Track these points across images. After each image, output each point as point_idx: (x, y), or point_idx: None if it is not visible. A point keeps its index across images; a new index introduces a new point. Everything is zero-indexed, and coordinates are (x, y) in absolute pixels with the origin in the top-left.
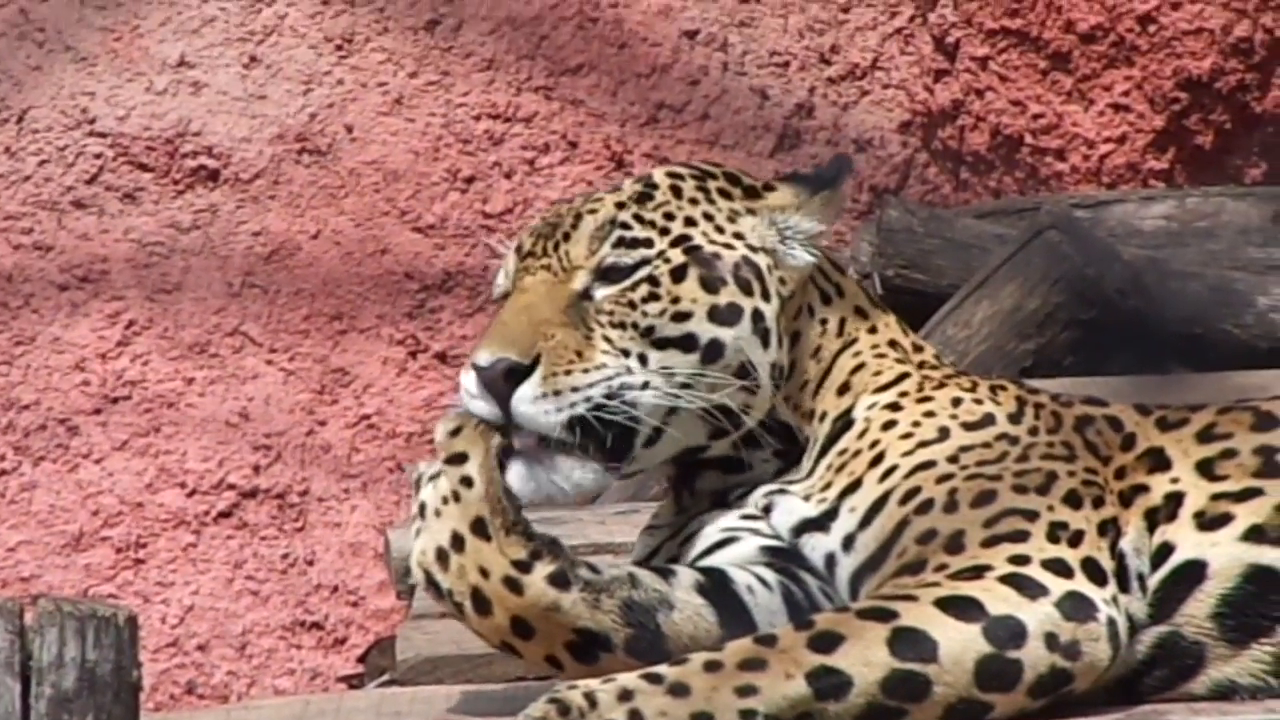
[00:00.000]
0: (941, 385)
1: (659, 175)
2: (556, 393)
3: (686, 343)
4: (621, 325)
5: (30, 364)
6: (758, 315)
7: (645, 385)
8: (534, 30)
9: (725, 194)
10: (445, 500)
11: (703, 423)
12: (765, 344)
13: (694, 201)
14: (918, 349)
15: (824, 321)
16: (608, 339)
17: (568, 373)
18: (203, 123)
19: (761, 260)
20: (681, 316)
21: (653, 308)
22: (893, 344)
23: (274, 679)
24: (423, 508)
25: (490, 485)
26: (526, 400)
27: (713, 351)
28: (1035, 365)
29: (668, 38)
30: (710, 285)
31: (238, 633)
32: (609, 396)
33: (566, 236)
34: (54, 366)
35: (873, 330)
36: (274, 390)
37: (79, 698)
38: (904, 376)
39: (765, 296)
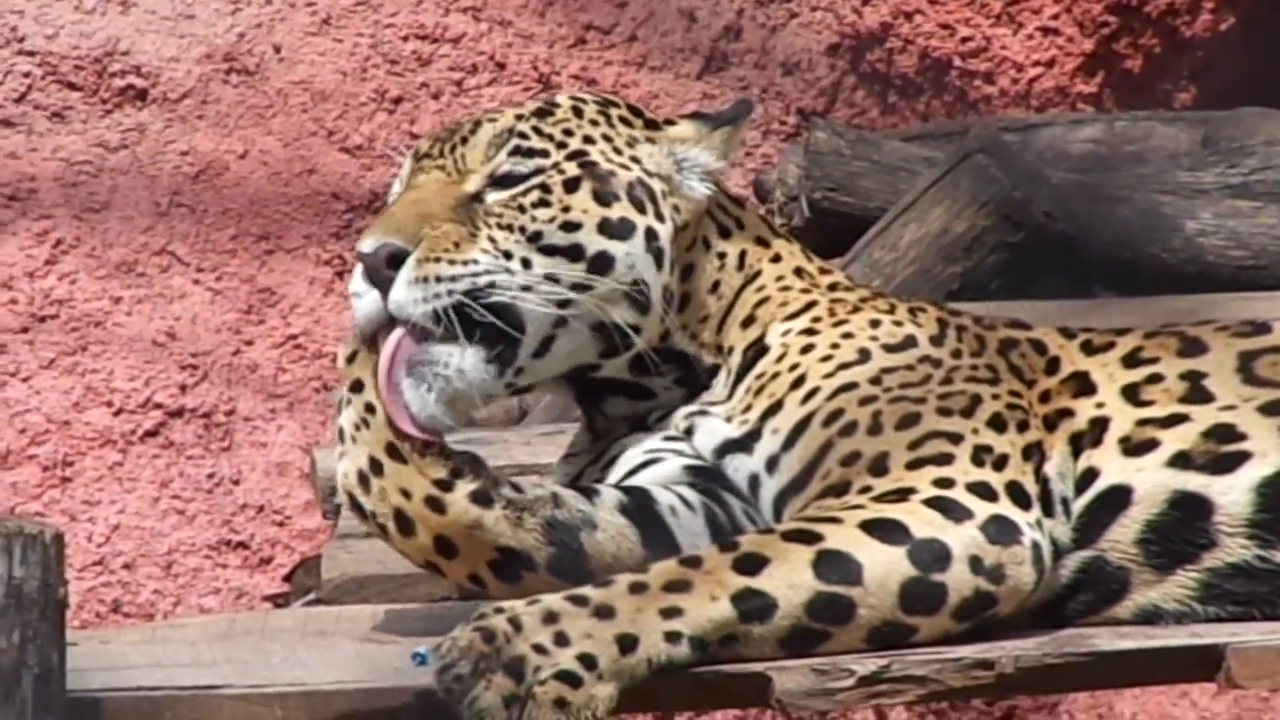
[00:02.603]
0: (856, 309)
1: (562, 97)
2: (425, 280)
3: (573, 252)
4: (509, 228)
5: None
6: (651, 234)
7: (526, 289)
8: None
9: (626, 121)
10: (358, 426)
11: (591, 337)
12: (659, 265)
13: (594, 123)
14: (825, 272)
15: (722, 255)
16: (491, 239)
17: (437, 260)
18: (131, 42)
19: (656, 185)
20: (571, 226)
21: (542, 213)
22: (799, 272)
23: (200, 598)
24: (340, 432)
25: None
26: (402, 285)
27: (601, 264)
28: (962, 289)
29: None
30: (603, 198)
31: (163, 551)
32: (475, 291)
33: (464, 140)
34: None
35: (776, 260)
36: (201, 310)
37: (5, 614)
38: (812, 304)
39: (660, 218)
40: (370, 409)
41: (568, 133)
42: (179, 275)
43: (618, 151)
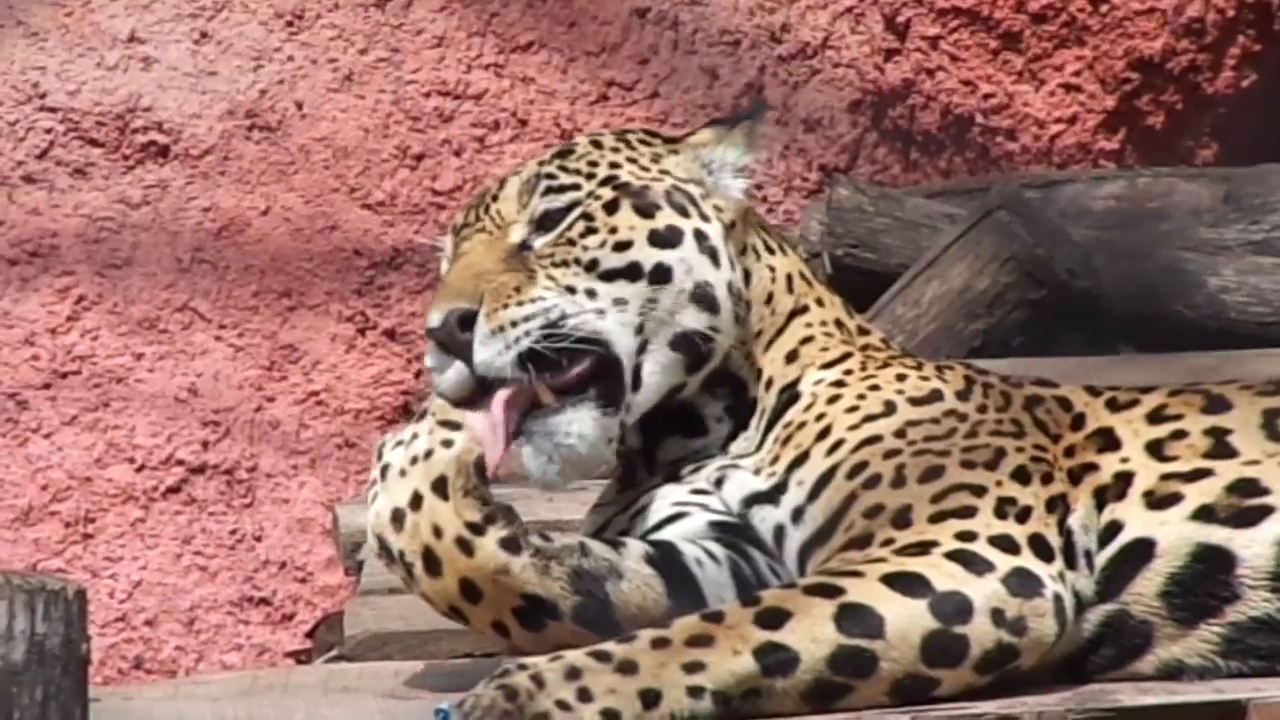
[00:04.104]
0: (886, 365)
1: (579, 138)
2: (500, 329)
3: (632, 271)
4: (564, 263)
5: None
6: (700, 234)
7: (600, 314)
8: (484, 7)
9: (645, 142)
10: (414, 460)
11: (673, 353)
12: (716, 263)
13: (615, 149)
14: (863, 332)
15: (772, 269)
16: (551, 277)
17: (505, 307)
18: (153, 98)
19: (693, 189)
20: (622, 245)
21: (592, 241)
22: (839, 324)
23: (222, 654)
24: (385, 470)
25: (467, 450)
26: (481, 343)
27: (660, 275)
28: (984, 345)
29: (618, 15)
30: (645, 211)
31: (186, 608)
32: (551, 325)
33: (495, 198)
34: (3, 341)
35: (820, 304)
36: (223, 366)
37: (28, 671)
38: (847, 355)
39: (704, 219)
40: (447, 444)
41: (593, 164)
42: (201, 332)
43: (645, 168)
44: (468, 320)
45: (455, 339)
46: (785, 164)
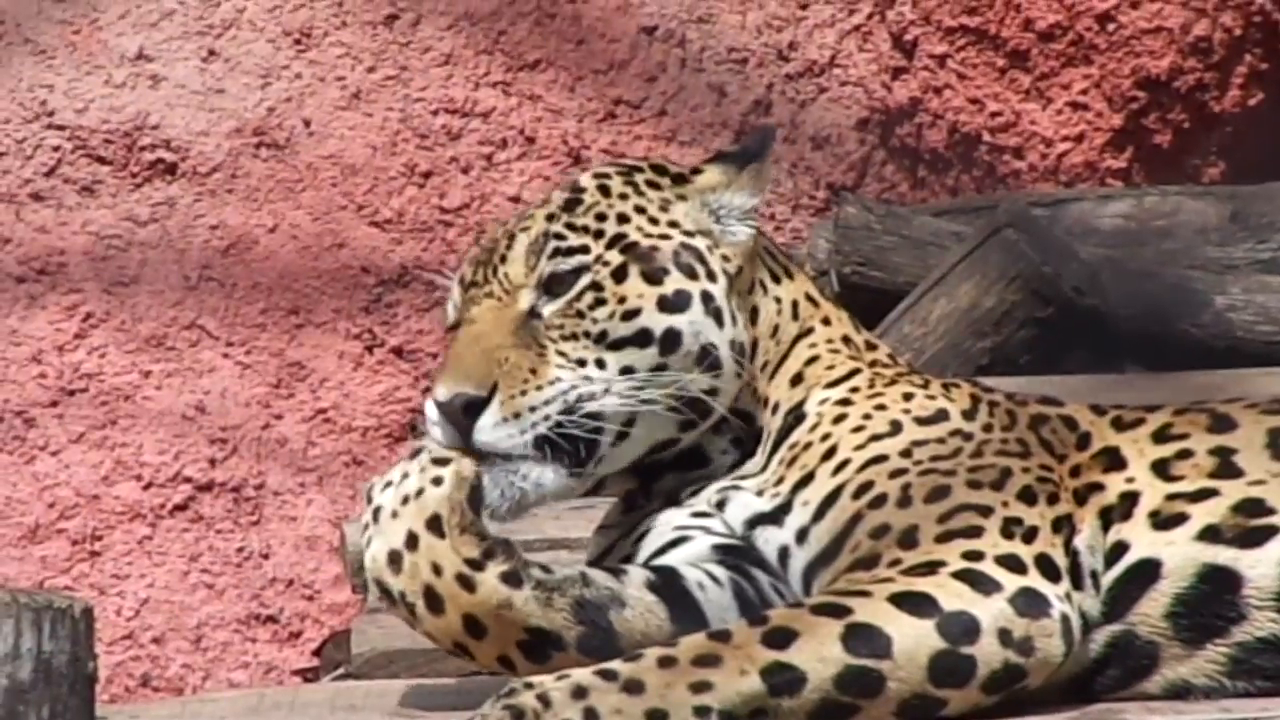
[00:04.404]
0: (893, 382)
1: (585, 179)
2: (516, 415)
3: (642, 338)
4: (574, 336)
5: None
6: (707, 297)
7: (606, 390)
8: (492, 25)
9: (654, 185)
10: (405, 500)
11: (671, 416)
12: (720, 323)
13: (624, 197)
14: (870, 347)
15: (778, 300)
16: (561, 353)
17: (524, 393)
18: (161, 116)
19: (700, 243)
20: (631, 314)
21: (601, 312)
22: (846, 340)
23: (229, 672)
24: (377, 512)
25: (457, 488)
26: (487, 429)
27: (670, 341)
28: (992, 363)
29: (626, 33)
30: (653, 277)
31: (193, 625)
32: (568, 410)
33: (503, 259)
34: (11, 359)
35: (826, 322)
36: (230, 384)
37: (34, 689)
38: (855, 372)
39: (711, 277)
40: (436, 482)
41: (600, 218)
42: (208, 349)
43: (654, 221)
44: (472, 408)
45: (457, 419)
46: (793, 182)
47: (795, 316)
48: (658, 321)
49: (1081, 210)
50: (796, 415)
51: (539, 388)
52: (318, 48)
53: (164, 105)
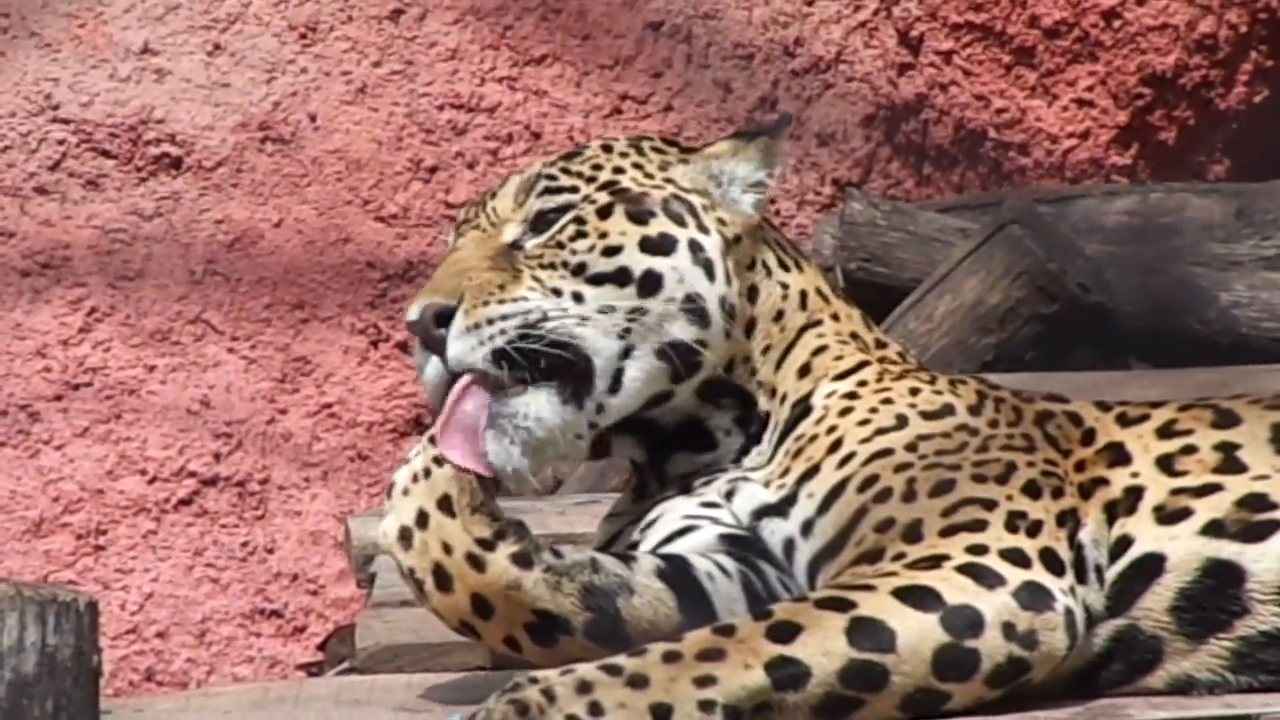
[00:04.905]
0: (901, 377)
1: (592, 142)
2: (476, 325)
3: (620, 276)
4: (551, 265)
5: None
6: (695, 245)
7: (584, 321)
8: (498, 20)
9: (658, 150)
10: (415, 478)
11: (659, 362)
12: (710, 277)
13: (624, 155)
14: (880, 345)
15: (785, 286)
16: (536, 279)
17: (485, 304)
18: (166, 110)
19: (695, 199)
20: (612, 250)
21: (581, 244)
22: (854, 336)
23: (233, 666)
24: (391, 488)
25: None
26: (455, 338)
27: (650, 283)
28: (997, 360)
29: (632, 29)
30: (638, 218)
31: (197, 620)
32: (529, 327)
33: (494, 195)
34: (15, 353)
35: (835, 318)
36: (235, 378)
37: (39, 683)
38: (863, 365)
39: (702, 230)
40: (439, 461)
41: (597, 167)
42: (213, 344)
43: (649, 175)
44: (444, 316)
45: (431, 334)
46: (798, 178)
47: (803, 307)
48: (638, 261)
49: (1087, 207)
50: (804, 407)
51: (500, 301)
52: (323, 42)
53: (169, 99)
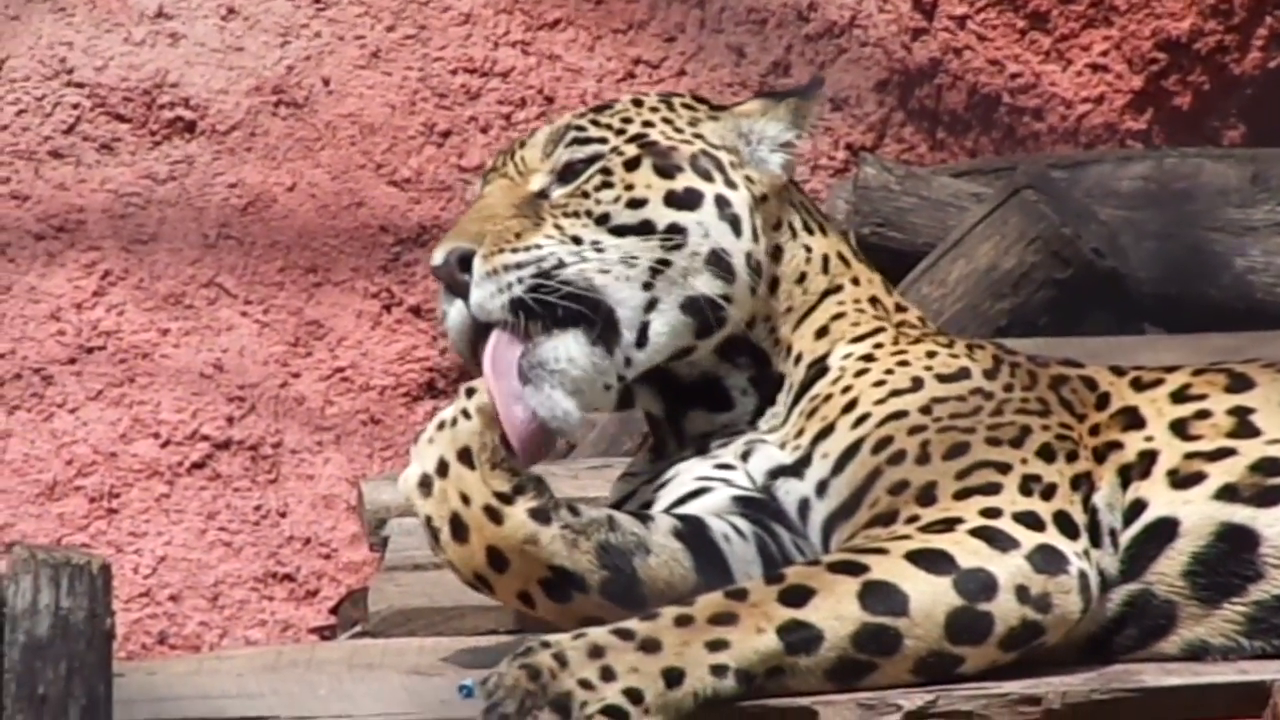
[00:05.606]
0: (918, 341)
1: (623, 96)
2: (494, 272)
3: (644, 228)
4: (574, 214)
5: (5, 313)
6: (721, 200)
7: (603, 270)
8: None
9: (689, 107)
10: (440, 426)
11: (684, 316)
12: (737, 232)
13: (654, 109)
14: (900, 309)
15: (808, 249)
16: (558, 226)
17: (501, 251)
18: (180, 74)
19: (723, 155)
20: (637, 203)
21: (606, 194)
22: (874, 301)
23: (246, 630)
24: (417, 437)
25: (488, 426)
26: (477, 285)
27: (675, 235)
28: (1010, 325)
29: None
30: (665, 171)
31: (210, 583)
32: (545, 274)
33: (523, 145)
34: (29, 316)
35: (855, 282)
36: (248, 342)
37: (52, 645)
38: (880, 329)
39: (730, 185)
40: (465, 414)
41: (626, 120)
42: (226, 307)
43: (678, 130)
44: (467, 261)
45: (455, 279)
46: (812, 143)
47: (825, 270)
48: (662, 215)
49: (1101, 172)
50: (820, 368)
51: (515, 250)
52: (337, 6)
53: (183, 63)
